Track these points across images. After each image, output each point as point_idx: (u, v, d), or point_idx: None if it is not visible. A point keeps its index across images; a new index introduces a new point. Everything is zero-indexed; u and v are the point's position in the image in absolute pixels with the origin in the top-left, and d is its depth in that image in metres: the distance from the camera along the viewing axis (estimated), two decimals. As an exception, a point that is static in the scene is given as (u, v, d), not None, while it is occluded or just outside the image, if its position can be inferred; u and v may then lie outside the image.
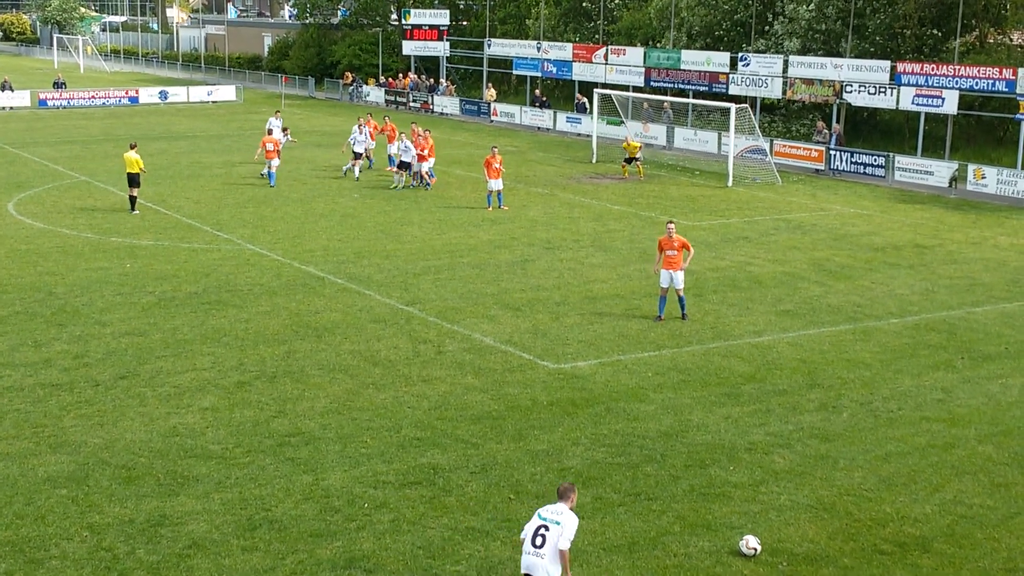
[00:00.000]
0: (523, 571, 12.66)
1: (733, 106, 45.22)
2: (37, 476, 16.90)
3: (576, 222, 36.61)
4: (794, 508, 16.15)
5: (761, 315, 25.95)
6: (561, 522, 12.59)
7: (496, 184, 38.26)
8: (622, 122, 55.08)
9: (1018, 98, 43.59)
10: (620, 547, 14.91)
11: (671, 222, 25.94)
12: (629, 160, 46.75)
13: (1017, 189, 42.05)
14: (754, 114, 50.33)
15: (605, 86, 58.94)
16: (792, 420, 19.51)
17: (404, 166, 42.41)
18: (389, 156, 45.35)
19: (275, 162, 42.96)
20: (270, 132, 46.47)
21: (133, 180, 37.04)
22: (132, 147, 37.65)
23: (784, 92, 52.85)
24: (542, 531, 12.59)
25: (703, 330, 24.72)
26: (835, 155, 48.35)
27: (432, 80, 77.65)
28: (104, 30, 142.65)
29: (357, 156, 45.06)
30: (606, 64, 62.49)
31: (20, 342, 23.26)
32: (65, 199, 39.84)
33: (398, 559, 14.55)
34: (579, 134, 60.17)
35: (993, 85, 44.68)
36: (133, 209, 37.04)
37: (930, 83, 46.50)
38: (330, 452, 17.85)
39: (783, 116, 57.11)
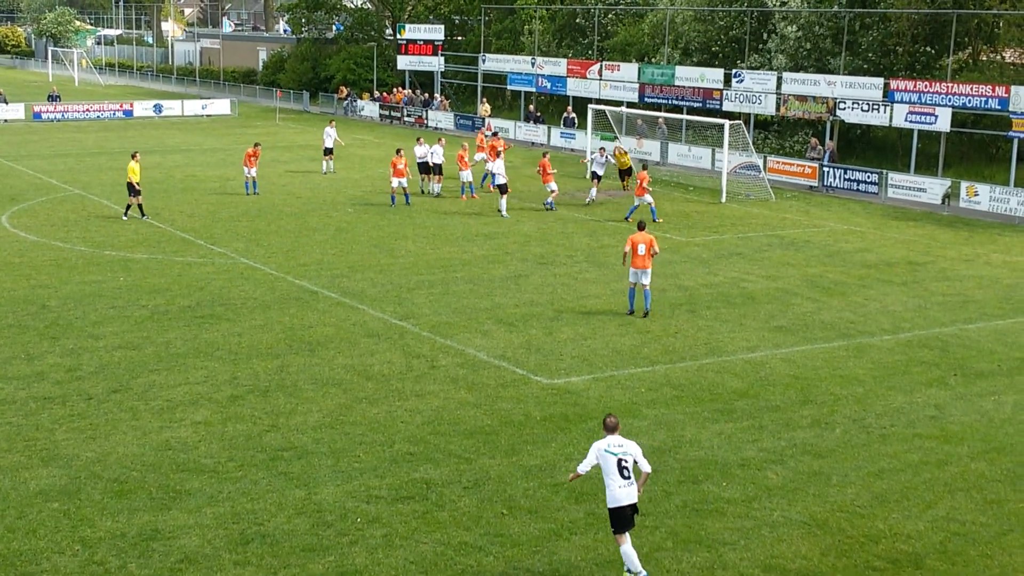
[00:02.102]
0: (620, 504, 14.00)
1: (727, 122, 45.34)
2: (29, 489, 16.85)
3: (570, 237, 36.65)
4: (787, 524, 16.15)
5: (754, 331, 25.97)
6: (631, 451, 14.17)
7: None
8: (616, 137, 55.15)
9: (1011, 116, 43.74)
10: (612, 563, 14.88)
11: (641, 226, 27.17)
12: (622, 173, 47.00)
13: (1010, 206, 42.17)
14: (748, 130, 50.44)
15: (599, 102, 59.08)
16: (785, 436, 19.52)
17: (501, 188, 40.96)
18: (485, 174, 45.84)
19: (253, 171, 43.69)
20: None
21: (133, 189, 37.63)
22: (134, 156, 38.44)
23: (778, 109, 53.00)
24: (624, 463, 14.00)
25: (696, 346, 24.73)
26: (828, 172, 48.46)
27: (427, 95, 77.76)
28: (99, 43, 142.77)
29: (426, 171, 45.27)
30: (600, 80, 62.64)
31: (13, 355, 23.22)
32: (59, 212, 39.82)
33: (391, 574, 14.52)
34: (573, 149, 60.26)
35: (986, 103, 44.82)
36: (143, 215, 38.15)
37: (923, 100, 46.66)
38: (323, 466, 17.82)
39: (777, 132, 57.25)
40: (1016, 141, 44.17)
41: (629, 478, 13.93)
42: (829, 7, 54.78)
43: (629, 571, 14.16)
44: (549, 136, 63.05)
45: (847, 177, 47.79)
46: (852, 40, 53.96)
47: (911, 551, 15.43)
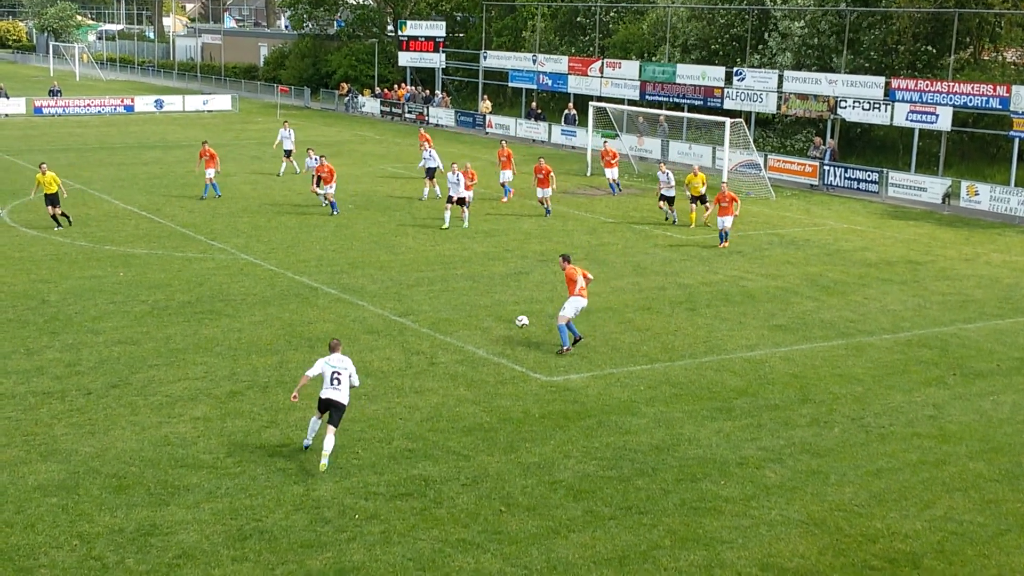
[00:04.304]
0: (325, 397, 17.99)
1: (728, 120, 45.33)
2: (27, 484, 16.86)
3: (570, 235, 36.65)
4: (785, 523, 16.16)
5: (754, 329, 25.98)
6: (346, 367, 18.22)
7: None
8: (617, 135, 55.17)
9: (1012, 115, 43.72)
10: (611, 560, 14.90)
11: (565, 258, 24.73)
12: (694, 199, 44.22)
13: (1010, 206, 42.16)
14: (749, 129, 50.41)
15: (600, 99, 59.03)
16: (784, 435, 19.53)
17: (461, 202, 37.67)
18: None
19: (210, 172, 41.94)
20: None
21: (52, 199, 35.59)
22: (42, 166, 36.13)
23: (779, 107, 52.98)
24: (336, 375, 18.02)
25: (696, 344, 24.74)
26: (829, 170, 48.46)
27: (428, 91, 77.74)
28: (100, 38, 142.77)
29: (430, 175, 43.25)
30: (601, 77, 62.62)
31: (12, 349, 23.23)
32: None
33: (388, 571, 14.53)
34: (574, 147, 60.24)
35: (987, 102, 44.80)
36: (58, 225, 35.76)
37: (924, 99, 46.64)
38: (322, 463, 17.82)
39: (778, 131, 57.23)
40: (1017, 141, 44.14)
41: (337, 387, 17.94)
42: (832, 5, 54.73)
43: (306, 443, 18.41)
44: (550, 133, 63.04)
45: (848, 176, 47.78)
46: (854, 38, 53.94)
47: (909, 550, 15.44)
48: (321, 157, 40.55)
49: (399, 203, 41.77)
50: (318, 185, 39.96)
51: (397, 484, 17.14)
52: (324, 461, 17.65)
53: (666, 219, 39.50)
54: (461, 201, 37.36)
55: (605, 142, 47.92)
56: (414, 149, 58.29)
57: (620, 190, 45.40)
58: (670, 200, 39.37)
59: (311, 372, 18.12)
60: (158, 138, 62.49)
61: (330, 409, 18.01)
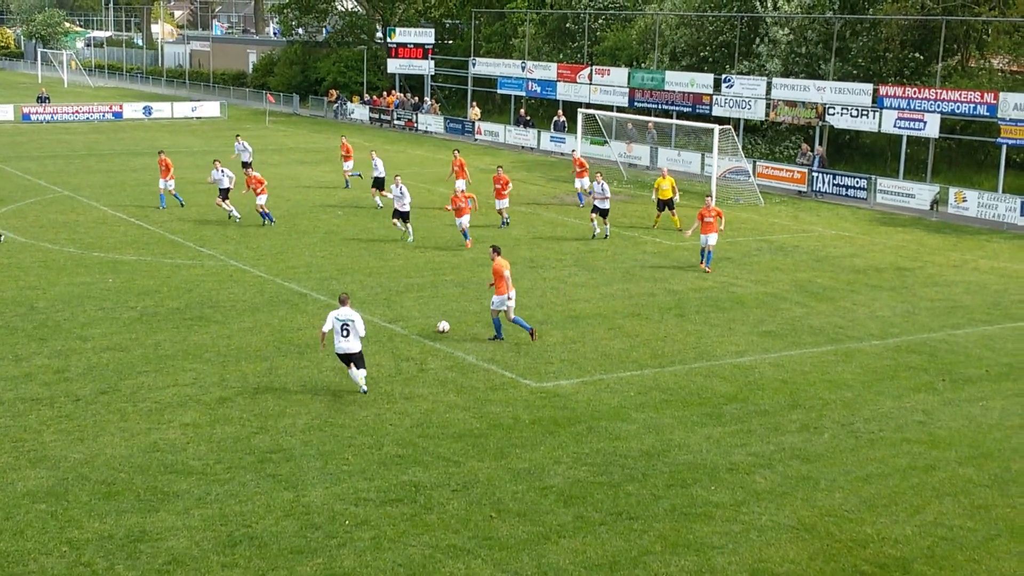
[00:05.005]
0: (342, 351, 20.91)
1: (716, 127, 45.38)
2: (16, 491, 16.81)
3: (559, 241, 36.66)
4: (775, 528, 16.17)
5: (743, 336, 26.01)
6: (352, 318, 20.69)
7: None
8: (606, 142, 55.23)
9: (999, 122, 43.85)
10: (601, 566, 14.90)
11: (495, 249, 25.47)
12: (662, 204, 40.41)
13: (998, 212, 42.30)
14: (737, 135, 50.51)
15: (589, 106, 59.10)
16: (773, 441, 19.55)
17: (401, 216, 36.34)
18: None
19: (171, 184, 41.11)
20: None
21: None
22: None
23: (767, 114, 53.10)
24: (346, 327, 20.59)
25: (685, 350, 24.76)
26: (817, 177, 48.56)
27: (417, 98, 77.76)
28: (88, 45, 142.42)
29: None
30: (590, 84, 62.69)
31: (0, 356, 23.16)
32: (48, 213, 39.74)
33: (379, 577, 14.51)
34: (563, 153, 60.29)
35: (974, 109, 44.95)
36: None
37: (912, 106, 46.78)
38: (311, 469, 17.80)
39: (766, 138, 57.34)
40: (1004, 147, 44.31)
41: (348, 336, 20.65)
42: (819, 13, 54.89)
43: (363, 389, 21.18)
44: (539, 140, 63.10)
45: (836, 182, 47.89)
46: (842, 46, 54.08)
47: (899, 556, 15.46)
48: (249, 168, 39.16)
49: (388, 210, 41.72)
50: (224, 199, 38.50)
51: (387, 490, 17.11)
52: (364, 387, 21.11)
53: (593, 236, 36.95)
54: (406, 216, 35.98)
55: (573, 151, 47.10)
56: (403, 156, 58.37)
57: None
58: (603, 213, 37.00)
59: (325, 327, 20.86)
60: (147, 145, 62.34)
61: (350, 359, 20.90)
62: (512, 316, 25.07)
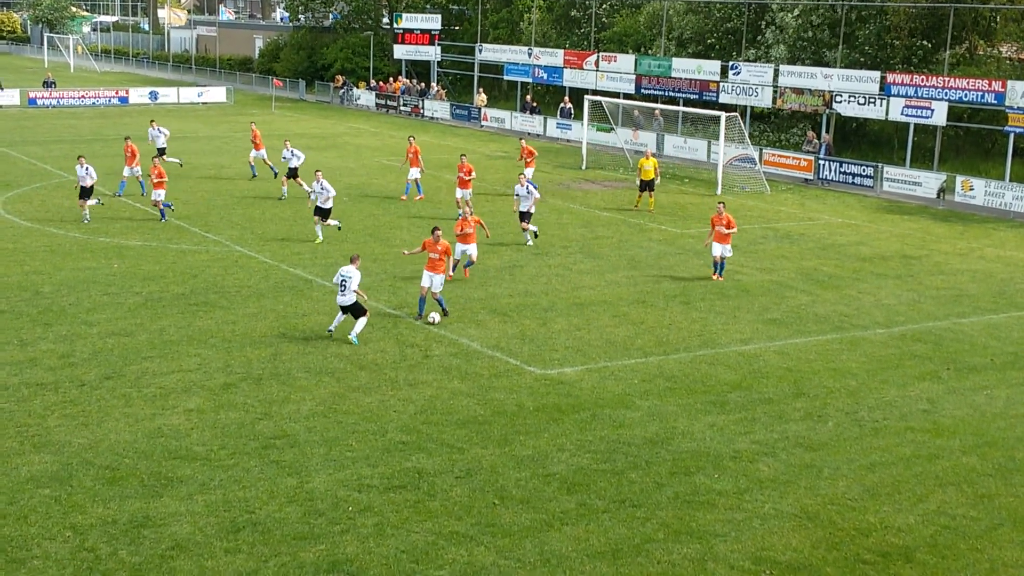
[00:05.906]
0: (341, 304, 23.19)
1: (723, 114, 45.31)
2: (20, 475, 16.84)
3: (565, 228, 36.63)
4: (778, 517, 16.17)
5: (748, 323, 25.99)
6: (351, 275, 22.89)
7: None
8: (612, 129, 55.15)
9: (1007, 110, 43.74)
10: (604, 553, 14.91)
11: (436, 228, 25.64)
12: (644, 185, 40.42)
13: (1004, 201, 42.19)
14: (744, 123, 50.41)
15: (596, 93, 58.99)
16: (777, 429, 19.54)
17: (322, 212, 33.55)
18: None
19: (137, 170, 40.12)
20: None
21: None
22: None
23: (774, 101, 52.97)
24: (344, 283, 22.85)
25: (690, 338, 24.75)
26: (824, 165, 48.47)
27: (423, 84, 77.66)
28: (95, 30, 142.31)
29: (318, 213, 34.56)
30: (597, 71, 62.56)
31: (6, 341, 23.19)
32: (53, 198, 39.76)
33: (382, 563, 14.53)
34: (569, 140, 60.21)
35: (982, 97, 44.82)
36: None
37: (919, 94, 46.64)
38: (315, 455, 17.82)
39: (773, 125, 57.22)
40: (1012, 136, 44.19)
41: (344, 292, 22.97)
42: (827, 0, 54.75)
43: (330, 328, 23.79)
44: (545, 127, 63.00)
45: (842, 170, 47.79)
46: (849, 33, 53.93)
47: (902, 544, 15.46)
48: (159, 158, 37.32)
49: (393, 196, 41.70)
50: (84, 196, 35.64)
51: (391, 476, 17.13)
52: (353, 339, 23.14)
53: (527, 243, 33.70)
54: (327, 213, 33.53)
55: (521, 139, 45.85)
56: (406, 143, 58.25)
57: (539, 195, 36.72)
58: (526, 216, 33.77)
59: (336, 279, 23.38)
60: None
61: (348, 311, 23.23)
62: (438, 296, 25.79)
